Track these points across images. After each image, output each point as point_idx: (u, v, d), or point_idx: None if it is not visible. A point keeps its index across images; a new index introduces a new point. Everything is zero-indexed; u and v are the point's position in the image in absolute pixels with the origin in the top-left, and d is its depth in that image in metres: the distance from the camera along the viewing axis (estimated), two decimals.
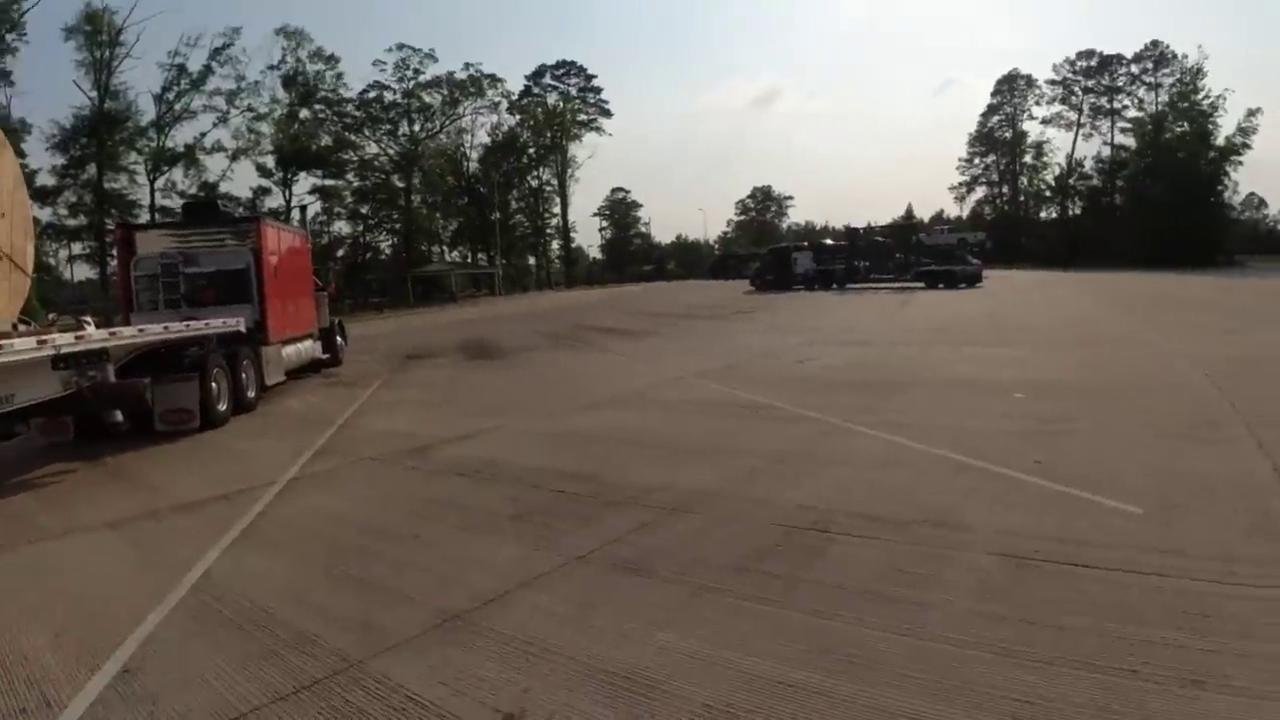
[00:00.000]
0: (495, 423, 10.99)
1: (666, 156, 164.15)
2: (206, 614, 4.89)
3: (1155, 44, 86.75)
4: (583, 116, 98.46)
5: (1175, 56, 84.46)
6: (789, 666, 3.81)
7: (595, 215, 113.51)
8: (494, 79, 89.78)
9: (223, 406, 12.37)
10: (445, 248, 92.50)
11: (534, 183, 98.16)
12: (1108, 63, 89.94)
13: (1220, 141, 74.04)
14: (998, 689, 3.49)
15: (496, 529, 6.31)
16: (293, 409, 13.96)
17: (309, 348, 17.88)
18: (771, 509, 6.36)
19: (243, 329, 13.48)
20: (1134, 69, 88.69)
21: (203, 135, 70.21)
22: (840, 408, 10.47)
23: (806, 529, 5.81)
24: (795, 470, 7.62)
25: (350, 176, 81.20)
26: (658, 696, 3.62)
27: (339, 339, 20.70)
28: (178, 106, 68.36)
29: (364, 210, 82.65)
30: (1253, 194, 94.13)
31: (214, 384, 12.15)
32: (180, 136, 69.60)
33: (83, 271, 68.72)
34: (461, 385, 16.15)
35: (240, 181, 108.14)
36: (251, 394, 13.66)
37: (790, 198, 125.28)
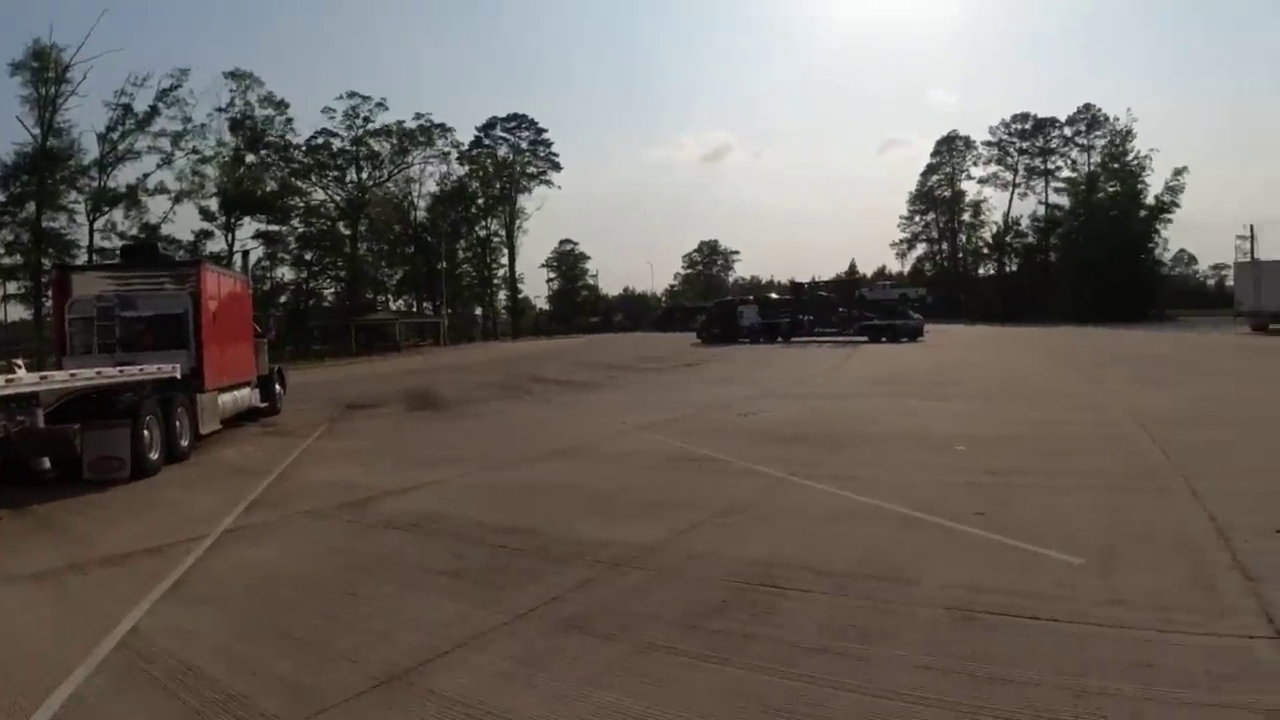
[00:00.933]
0: (437, 475, 10.80)
1: (615, 210, 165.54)
2: (132, 672, 4.66)
3: (1088, 107, 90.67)
4: (532, 169, 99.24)
5: (1107, 119, 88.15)
6: None
7: (543, 266, 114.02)
8: (444, 129, 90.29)
9: (155, 455, 11.96)
10: (390, 296, 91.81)
11: (482, 233, 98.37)
12: (1042, 125, 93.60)
13: (1150, 200, 76.84)
14: None
15: (436, 585, 6.14)
16: (228, 458, 13.56)
17: (246, 395, 17.51)
18: (718, 564, 6.28)
19: (178, 375, 13.15)
20: (1067, 131, 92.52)
21: (145, 176, 69.12)
22: (786, 461, 10.49)
23: (754, 584, 5.74)
24: (742, 524, 7.57)
25: (295, 222, 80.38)
26: None
27: (278, 387, 20.30)
28: (121, 147, 67.41)
29: (308, 256, 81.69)
30: (1183, 251, 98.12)
31: (146, 432, 11.76)
32: (123, 177, 68.60)
33: (16, 312, 66.91)
34: (404, 436, 15.90)
35: (182, 224, 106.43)
36: (185, 443, 13.26)
37: (736, 252, 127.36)
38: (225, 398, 15.83)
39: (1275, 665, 4.05)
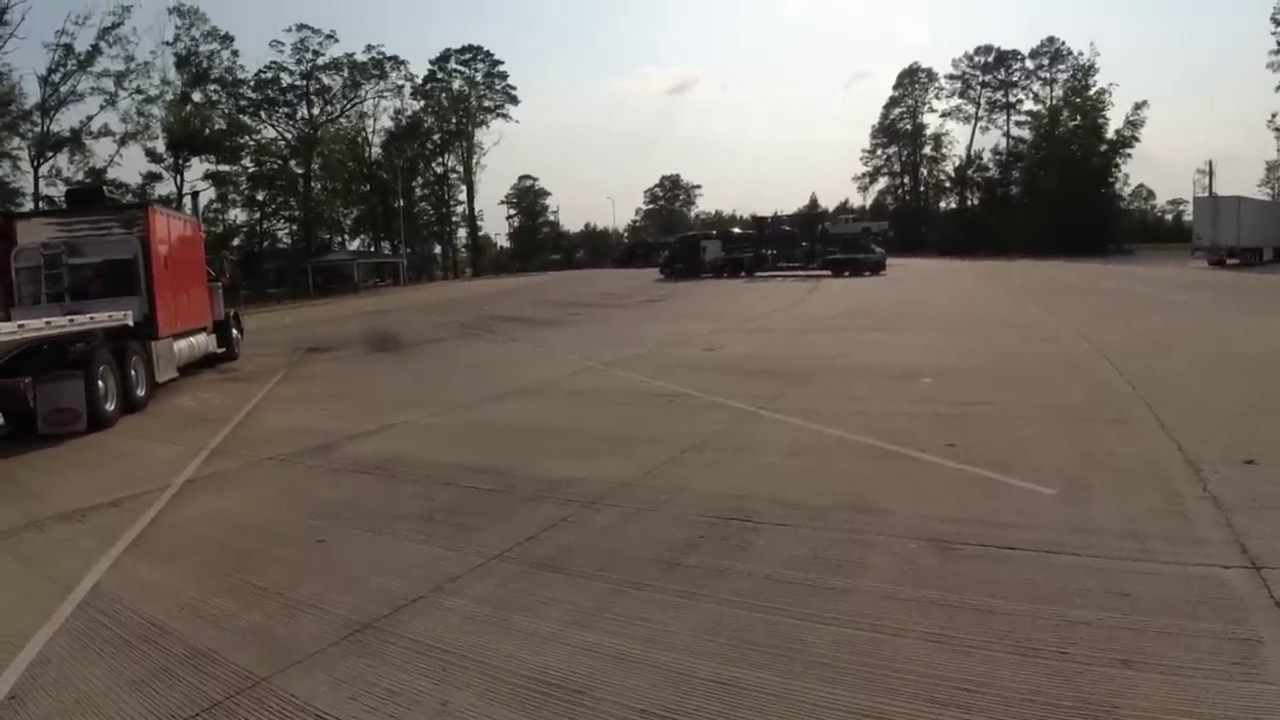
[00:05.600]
0: (400, 417, 10.65)
1: (577, 144, 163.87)
2: (97, 632, 4.52)
3: (1051, 40, 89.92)
4: (489, 102, 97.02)
5: (1070, 53, 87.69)
6: (718, 663, 3.68)
7: (503, 203, 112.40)
8: (397, 61, 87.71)
9: (111, 406, 11.66)
10: (347, 236, 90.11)
11: (439, 169, 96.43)
12: (1004, 58, 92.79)
13: (1110, 135, 77.13)
14: (934, 677, 3.44)
15: (406, 529, 6.02)
16: (186, 407, 13.30)
17: (203, 341, 17.14)
18: (691, 499, 6.24)
19: (131, 323, 12.79)
20: (1029, 64, 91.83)
21: (89, 119, 66.34)
22: (752, 394, 10.45)
23: (728, 519, 5.70)
24: (711, 459, 7.53)
25: (246, 162, 78.16)
26: (584, 702, 3.44)
27: (235, 332, 19.93)
28: (64, 89, 64.38)
29: (260, 197, 79.60)
30: (1141, 185, 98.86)
31: (100, 382, 11.43)
32: (66, 120, 65.60)
33: None
34: (365, 378, 15.74)
35: (129, 167, 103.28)
36: (141, 392, 12.97)
37: (699, 186, 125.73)
38: (181, 344, 15.48)
39: (1249, 595, 4.06)
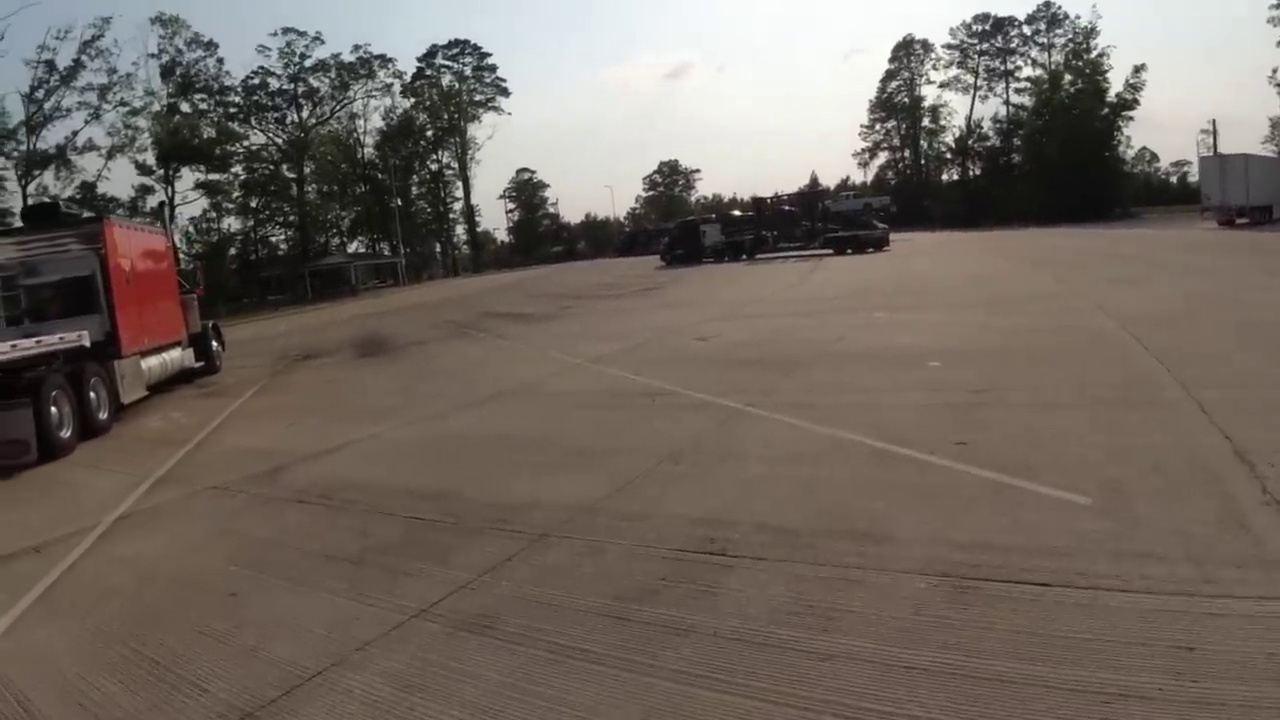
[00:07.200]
0: (365, 431, 9.87)
1: (573, 135, 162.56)
2: None
3: (1048, 5, 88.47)
4: (480, 96, 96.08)
5: (1067, 17, 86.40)
6: None
7: (502, 197, 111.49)
8: (384, 60, 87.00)
9: (66, 433, 10.85)
10: (344, 239, 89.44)
11: (434, 167, 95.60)
12: (1001, 25, 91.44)
13: (1112, 98, 75.93)
14: None
15: (330, 578, 5.19)
16: (150, 428, 12.57)
17: (177, 357, 16.41)
18: (660, 526, 5.38)
19: (88, 343, 12.02)
20: (1026, 30, 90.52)
21: (74, 134, 65.77)
22: (744, 389, 9.60)
23: (698, 552, 4.83)
24: (689, 472, 6.66)
25: (237, 169, 77.56)
26: None
27: (215, 344, 19.23)
28: (48, 106, 64.00)
29: (254, 204, 79.06)
30: (1145, 148, 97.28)
31: (54, 408, 10.64)
32: (53, 137, 65.11)
33: None
34: (343, 387, 14.99)
35: (120, 181, 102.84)
36: (104, 415, 12.21)
37: (697, 171, 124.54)
38: (151, 361, 14.76)
39: None
